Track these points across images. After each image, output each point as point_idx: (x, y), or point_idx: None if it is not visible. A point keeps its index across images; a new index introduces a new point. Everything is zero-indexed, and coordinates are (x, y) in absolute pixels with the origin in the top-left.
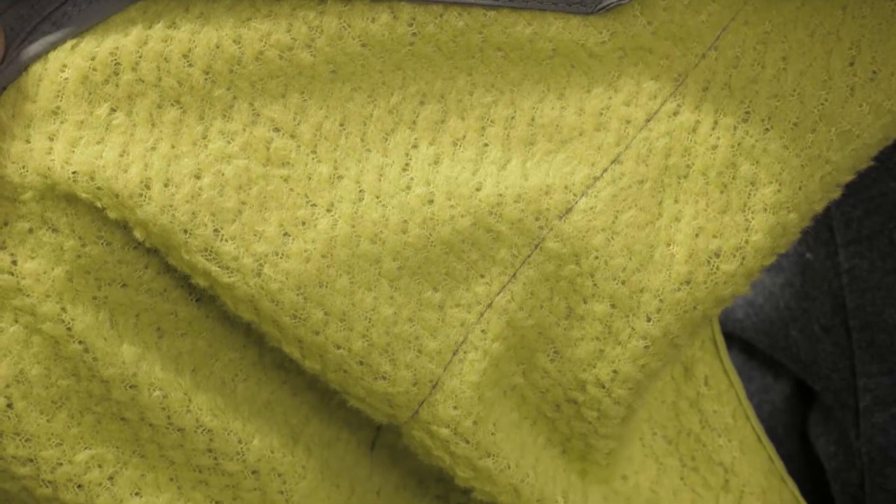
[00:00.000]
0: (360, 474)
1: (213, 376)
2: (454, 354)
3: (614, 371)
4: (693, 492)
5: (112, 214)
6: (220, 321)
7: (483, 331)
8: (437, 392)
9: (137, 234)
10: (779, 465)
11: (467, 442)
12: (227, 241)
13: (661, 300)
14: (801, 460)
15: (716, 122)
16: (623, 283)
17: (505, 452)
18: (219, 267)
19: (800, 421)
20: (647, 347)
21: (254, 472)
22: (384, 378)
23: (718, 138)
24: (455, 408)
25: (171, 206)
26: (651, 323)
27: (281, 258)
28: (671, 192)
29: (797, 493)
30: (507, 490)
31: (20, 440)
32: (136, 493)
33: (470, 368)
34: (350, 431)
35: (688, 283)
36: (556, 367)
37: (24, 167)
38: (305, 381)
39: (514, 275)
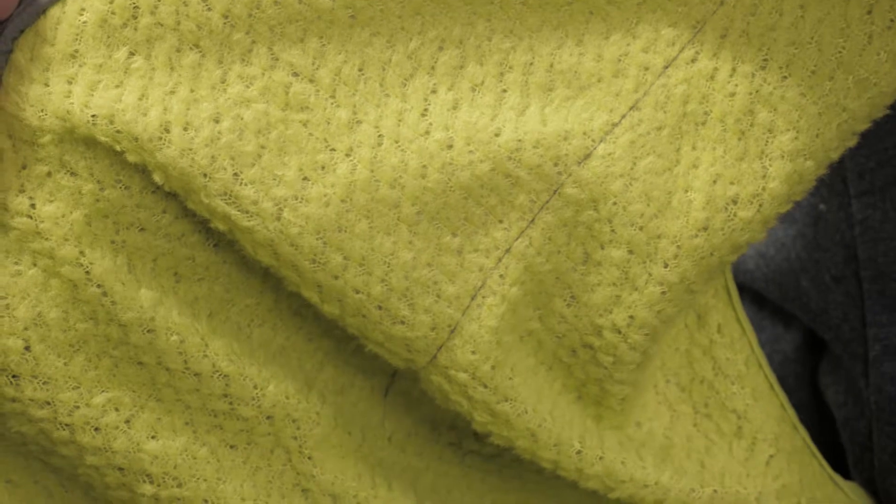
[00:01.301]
0: (372, 421)
1: (229, 322)
2: (472, 299)
3: (631, 316)
4: (706, 438)
5: (131, 158)
6: (237, 266)
7: (501, 276)
8: (456, 337)
9: (156, 177)
10: (791, 412)
11: (485, 386)
12: (246, 185)
13: (678, 246)
14: (811, 409)
15: (734, 70)
16: (641, 228)
17: (522, 397)
18: (238, 211)
19: (810, 371)
20: (663, 293)
21: (268, 418)
22: (403, 323)
23: (736, 85)
24: (473, 352)
25: (190, 149)
26: (668, 269)
27: (300, 202)
28: (689, 139)
29: (808, 440)
30: (525, 434)
31: (38, 383)
32: (153, 436)
33: (488, 313)
34: (364, 378)
35: (705, 229)
36: (573, 312)
37: (42, 110)
38: (321, 327)
39: (533, 220)
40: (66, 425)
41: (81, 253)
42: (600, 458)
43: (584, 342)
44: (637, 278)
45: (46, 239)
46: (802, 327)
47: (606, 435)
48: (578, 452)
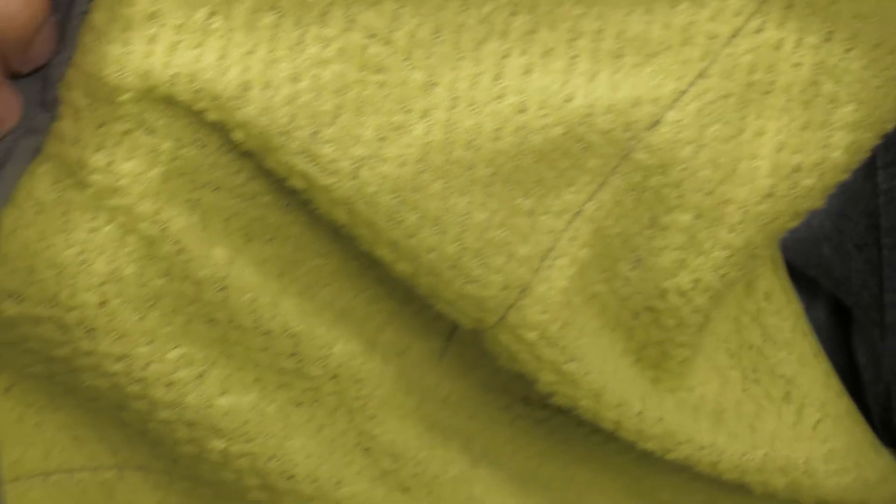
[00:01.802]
0: (429, 383)
1: (297, 282)
2: (543, 260)
3: (695, 280)
4: (755, 403)
5: (211, 116)
6: (306, 228)
7: (572, 238)
8: (526, 297)
9: (237, 135)
10: (835, 379)
11: (554, 346)
12: (325, 143)
13: (744, 212)
14: (846, 375)
15: (799, 41)
16: (708, 194)
17: (588, 358)
18: (317, 169)
19: (843, 337)
20: (728, 257)
21: (334, 377)
22: (475, 282)
23: (802, 56)
24: (543, 312)
25: (270, 108)
26: (733, 234)
27: (377, 162)
28: (754, 108)
29: (853, 406)
30: (589, 394)
31: (113, 337)
32: (224, 393)
33: (559, 274)
34: (421, 341)
35: (770, 196)
36: (638, 275)
37: (121, 70)
38: (383, 290)
39: (603, 184)
40: (140, 380)
41: (158, 210)
42: (660, 419)
43: (648, 305)
44: (703, 242)
45: (124, 196)
46: (830, 295)
47: (664, 397)
48: (639, 413)
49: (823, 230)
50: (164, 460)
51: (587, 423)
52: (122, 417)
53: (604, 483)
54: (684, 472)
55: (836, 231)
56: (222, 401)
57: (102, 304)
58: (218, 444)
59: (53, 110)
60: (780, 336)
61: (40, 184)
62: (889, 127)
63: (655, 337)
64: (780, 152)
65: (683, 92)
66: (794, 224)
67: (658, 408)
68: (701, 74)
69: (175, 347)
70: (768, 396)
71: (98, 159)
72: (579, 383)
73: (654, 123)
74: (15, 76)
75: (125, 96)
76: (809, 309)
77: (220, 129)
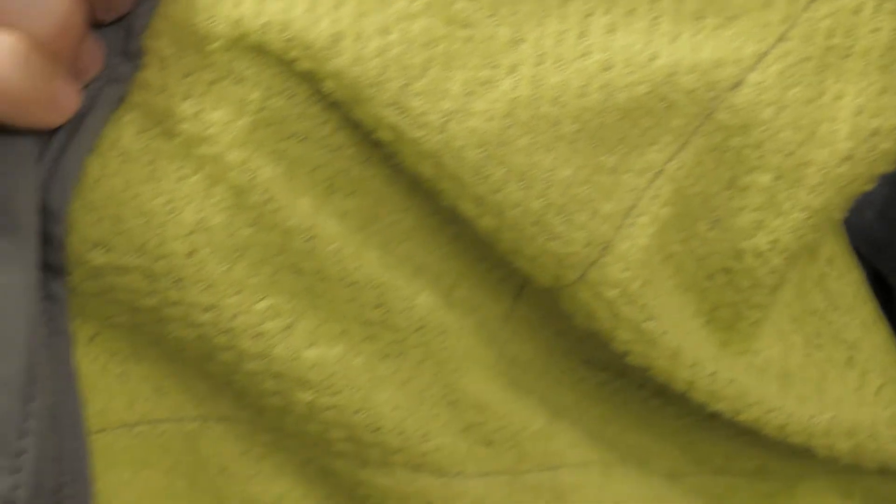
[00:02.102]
0: (498, 342)
1: (376, 236)
2: (625, 218)
3: (773, 241)
4: (819, 368)
5: (302, 66)
6: (386, 182)
7: (653, 196)
8: (608, 254)
9: (328, 85)
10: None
11: (633, 304)
12: (414, 96)
13: (823, 174)
14: None
15: (878, 6)
16: (788, 155)
17: (665, 317)
18: (406, 121)
19: (884, 309)
20: (807, 219)
21: (419, 329)
22: (558, 238)
23: (881, 21)
24: (624, 270)
25: (361, 59)
26: (813, 195)
27: (465, 116)
28: (833, 72)
29: None
30: (666, 354)
31: (202, 287)
32: (311, 345)
33: (640, 232)
34: (490, 302)
35: (849, 159)
36: (716, 235)
37: (211, 18)
38: (457, 248)
39: (685, 144)
40: (227, 331)
41: (247, 159)
42: (732, 380)
43: (724, 266)
44: (782, 203)
45: (213, 144)
46: (870, 267)
47: (734, 359)
48: (712, 374)
49: (868, 196)
50: (249, 411)
51: (647, 387)
52: (207, 369)
53: (661, 448)
54: (739, 439)
55: (880, 196)
56: (309, 353)
57: (190, 253)
58: (305, 397)
59: (136, 60)
60: (843, 301)
61: (125, 133)
62: None
63: (729, 298)
64: (859, 116)
65: (765, 54)
66: (869, 187)
67: (729, 369)
68: (781, 38)
69: (263, 298)
70: (831, 361)
71: (186, 108)
72: (657, 343)
73: (737, 84)
74: (97, 25)
75: (214, 45)
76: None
77: (310, 79)
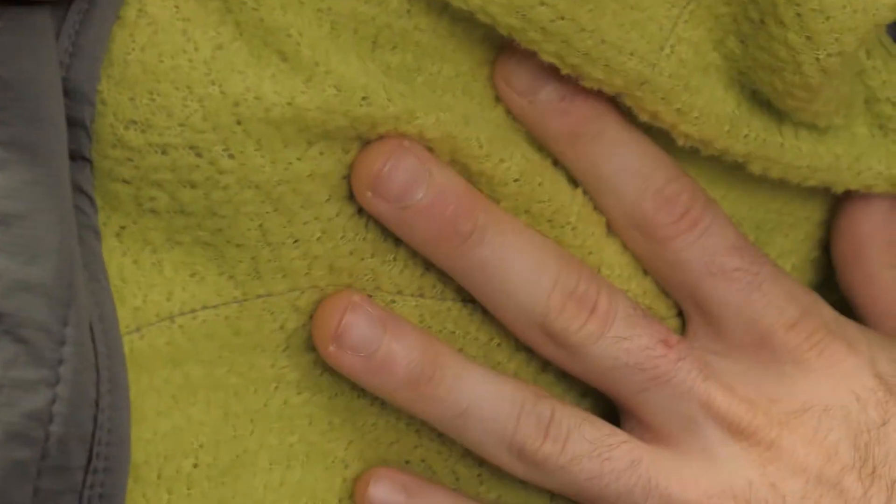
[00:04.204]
0: None
1: (417, 90)
2: (661, 51)
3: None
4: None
5: None
6: (427, 35)
7: (686, 21)
8: (645, 87)
9: None
10: None
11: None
12: None
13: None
14: None
15: None
16: None
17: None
18: None
19: None
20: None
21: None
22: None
23: None
24: (662, 99)
25: None
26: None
27: None
28: None
29: None
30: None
31: (256, 154)
32: None
33: (676, 61)
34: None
35: None
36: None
37: None
38: (492, 98)
39: None
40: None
41: (290, 22)
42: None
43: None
44: None
45: (253, 8)
46: None
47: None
48: (781, 145)
49: None
50: (286, 284)
51: None
52: (249, 245)
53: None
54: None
55: None
56: None
57: (239, 122)
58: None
59: None
60: (892, 91)
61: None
62: None
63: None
64: None
65: None
66: None
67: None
68: None
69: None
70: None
71: None
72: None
73: None
74: None
75: None
76: None
77: None
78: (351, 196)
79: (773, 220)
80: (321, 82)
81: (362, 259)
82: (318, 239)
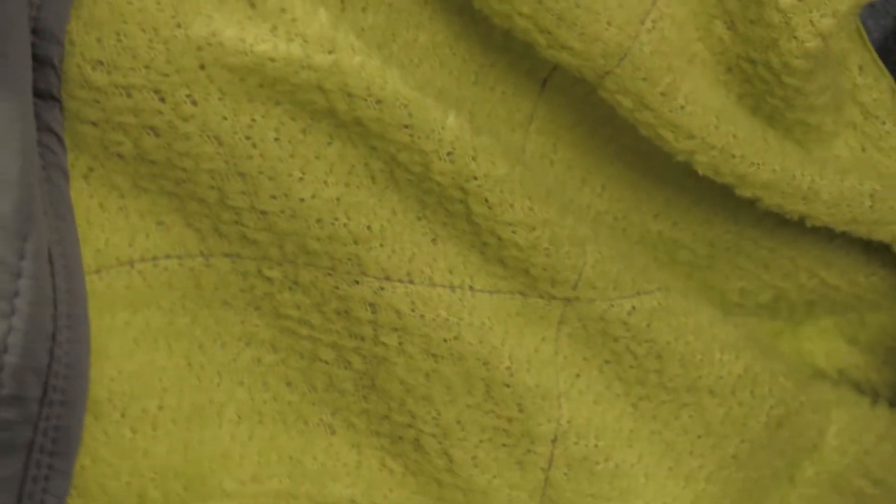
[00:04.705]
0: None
1: (393, 57)
2: (642, 24)
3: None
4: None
5: None
6: None
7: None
8: (626, 63)
9: None
10: None
11: (652, 110)
12: None
13: None
14: None
15: None
16: None
17: (694, 125)
18: None
19: None
20: None
21: (449, 154)
22: (569, 49)
23: None
24: (644, 79)
25: None
26: None
27: None
28: None
29: None
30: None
31: (216, 99)
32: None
33: (658, 37)
34: (506, 131)
35: None
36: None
37: None
38: (471, 70)
39: None
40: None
41: None
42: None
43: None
44: None
45: None
46: None
47: (785, 146)
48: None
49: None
50: (255, 248)
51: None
52: (212, 199)
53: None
54: (760, 262)
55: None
56: (328, 191)
57: (202, 66)
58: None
59: None
60: (881, 109)
61: None
62: None
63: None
64: None
65: None
66: None
67: (780, 162)
68: None
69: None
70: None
71: None
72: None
73: None
74: None
75: None
76: None
77: None
78: (330, 183)
79: (729, 240)
80: (287, 31)
81: (344, 245)
82: (289, 217)
